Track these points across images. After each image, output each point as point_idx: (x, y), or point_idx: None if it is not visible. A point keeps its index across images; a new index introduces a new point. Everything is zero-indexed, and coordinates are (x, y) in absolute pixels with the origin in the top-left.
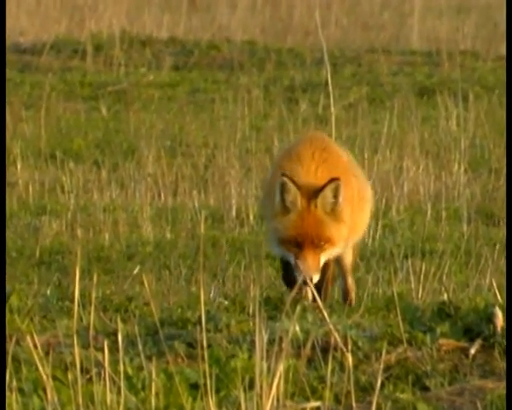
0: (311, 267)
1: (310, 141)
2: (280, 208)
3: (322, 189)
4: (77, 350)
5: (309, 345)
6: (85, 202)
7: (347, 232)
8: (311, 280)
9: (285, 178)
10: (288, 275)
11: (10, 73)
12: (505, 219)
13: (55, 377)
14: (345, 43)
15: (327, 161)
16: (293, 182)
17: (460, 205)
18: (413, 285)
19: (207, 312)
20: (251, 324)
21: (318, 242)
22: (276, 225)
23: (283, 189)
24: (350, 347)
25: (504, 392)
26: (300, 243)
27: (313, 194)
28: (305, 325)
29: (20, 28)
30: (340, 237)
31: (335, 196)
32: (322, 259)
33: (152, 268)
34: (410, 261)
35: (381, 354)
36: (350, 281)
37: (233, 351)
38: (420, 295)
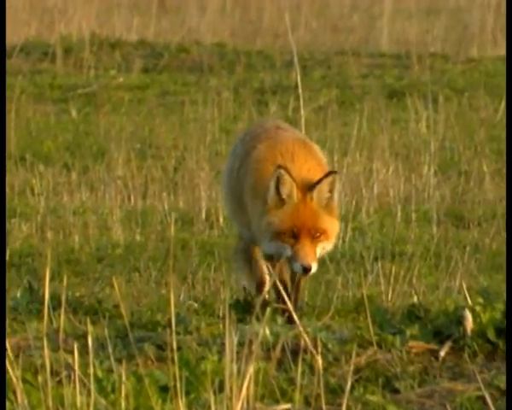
0: (308, 255)
1: (293, 142)
2: (274, 202)
3: (319, 181)
4: (47, 353)
5: (279, 347)
6: (55, 205)
7: (339, 230)
8: (310, 269)
9: (281, 170)
10: (259, 277)
11: None
12: (505, 219)
13: (24, 380)
14: (314, 46)
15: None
16: (290, 174)
17: (430, 207)
18: (383, 288)
19: (177, 314)
20: (221, 326)
21: (315, 232)
22: (270, 219)
23: (279, 181)
24: (320, 349)
25: (474, 394)
26: (297, 233)
27: (309, 187)
28: (274, 328)
29: None
30: (333, 232)
31: (331, 190)
32: (318, 251)
33: (122, 271)
34: (379, 264)
35: (350, 357)
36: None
37: (203, 353)
38: (390, 298)
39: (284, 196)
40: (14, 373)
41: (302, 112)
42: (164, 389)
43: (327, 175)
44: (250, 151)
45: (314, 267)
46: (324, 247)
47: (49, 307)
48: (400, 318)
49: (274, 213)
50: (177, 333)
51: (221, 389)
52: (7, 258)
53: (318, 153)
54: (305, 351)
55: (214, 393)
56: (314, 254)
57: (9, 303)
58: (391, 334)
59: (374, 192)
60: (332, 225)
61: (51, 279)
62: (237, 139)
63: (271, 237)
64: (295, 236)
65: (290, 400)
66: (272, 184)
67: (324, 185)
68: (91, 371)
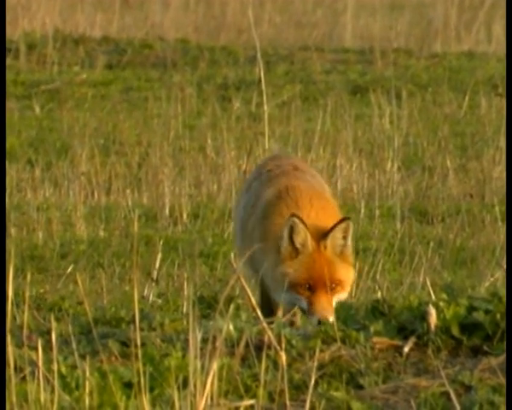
0: (325, 309)
1: (305, 190)
2: (288, 252)
3: (332, 229)
4: (10, 349)
5: (243, 343)
6: (19, 201)
7: (354, 278)
8: (328, 321)
9: (295, 219)
10: (268, 309)
11: None
12: (505, 218)
13: None
14: (278, 41)
15: (325, 209)
16: (303, 222)
17: (393, 203)
18: None
19: (141, 310)
20: (185, 322)
21: (331, 284)
22: (284, 270)
23: (292, 230)
24: (284, 345)
25: (438, 390)
26: (313, 285)
27: (322, 235)
28: (238, 324)
29: None
30: (349, 281)
31: (344, 236)
32: (334, 302)
33: (86, 267)
34: None
35: (314, 353)
36: None
37: (167, 350)
38: (354, 294)
39: (298, 246)
40: None
41: (265, 107)
42: (128, 386)
43: (340, 221)
44: (260, 195)
45: (331, 320)
46: (340, 297)
47: (12, 304)
48: (364, 313)
49: (289, 264)
50: (141, 329)
51: (185, 385)
52: None
53: (329, 199)
54: (269, 347)
55: (178, 389)
56: (331, 306)
57: None
58: (355, 330)
59: (337, 188)
60: (347, 274)
61: (15, 276)
62: (251, 176)
63: (286, 288)
64: (311, 288)
65: (254, 396)
66: (286, 234)
67: (338, 232)
68: (55, 367)
